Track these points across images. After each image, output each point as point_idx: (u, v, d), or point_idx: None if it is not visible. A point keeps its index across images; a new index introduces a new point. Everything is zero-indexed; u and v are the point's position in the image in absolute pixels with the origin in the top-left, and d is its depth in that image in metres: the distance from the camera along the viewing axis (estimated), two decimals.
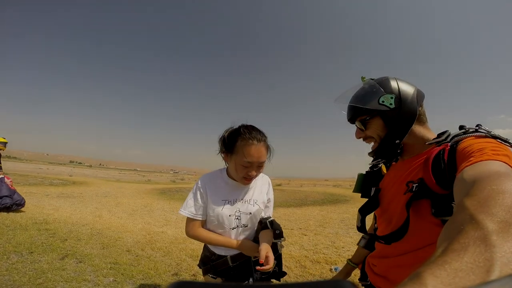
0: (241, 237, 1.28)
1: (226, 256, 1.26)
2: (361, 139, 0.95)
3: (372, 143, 0.93)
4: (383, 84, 0.86)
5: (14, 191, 5.64)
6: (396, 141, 0.85)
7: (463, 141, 0.68)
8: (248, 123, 1.21)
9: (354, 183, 1.13)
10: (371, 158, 1.08)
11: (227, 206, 1.23)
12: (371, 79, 0.92)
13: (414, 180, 0.78)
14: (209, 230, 1.27)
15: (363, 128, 0.90)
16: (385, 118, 0.84)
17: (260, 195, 1.32)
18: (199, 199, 1.23)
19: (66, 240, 3.74)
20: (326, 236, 4.87)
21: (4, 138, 6.05)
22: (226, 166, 1.29)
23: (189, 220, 1.24)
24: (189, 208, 1.22)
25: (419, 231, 0.75)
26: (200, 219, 1.23)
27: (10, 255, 2.97)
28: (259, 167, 1.16)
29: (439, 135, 0.80)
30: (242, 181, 1.18)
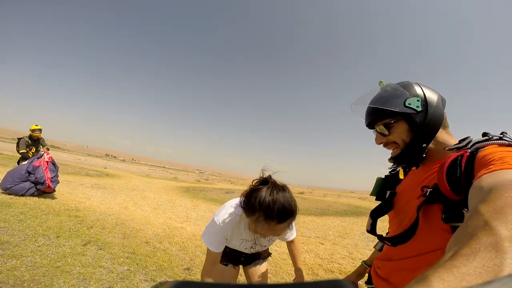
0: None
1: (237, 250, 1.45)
2: (381, 144, 0.92)
3: (393, 149, 0.90)
4: (407, 87, 0.84)
5: (36, 168, 5.43)
6: (423, 145, 0.82)
7: (484, 148, 0.64)
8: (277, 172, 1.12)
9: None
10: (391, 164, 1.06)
11: (245, 243, 1.35)
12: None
13: (429, 185, 0.76)
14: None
15: (386, 133, 0.87)
16: (410, 122, 0.81)
17: None
18: (220, 240, 1.25)
19: (92, 227, 3.95)
20: (344, 247, 4.70)
21: (38, 125, 6.80)
22: None
23: (211, 254, 1.25)
24: (212, 244, 1.24)
25: (426, 235, 0.73)
26: (219, 251, 1.27)
27: (39, 238, 3.17)
28: (277, 235, 1.13)
29: (460, 141, 0.77)
30: None
